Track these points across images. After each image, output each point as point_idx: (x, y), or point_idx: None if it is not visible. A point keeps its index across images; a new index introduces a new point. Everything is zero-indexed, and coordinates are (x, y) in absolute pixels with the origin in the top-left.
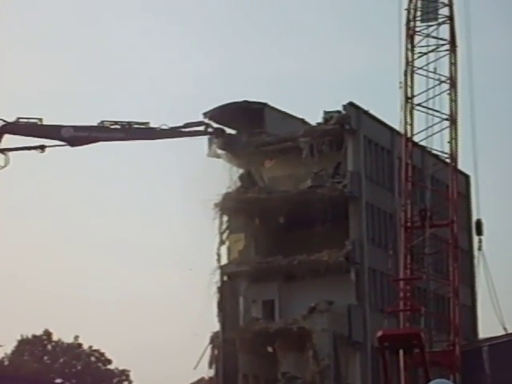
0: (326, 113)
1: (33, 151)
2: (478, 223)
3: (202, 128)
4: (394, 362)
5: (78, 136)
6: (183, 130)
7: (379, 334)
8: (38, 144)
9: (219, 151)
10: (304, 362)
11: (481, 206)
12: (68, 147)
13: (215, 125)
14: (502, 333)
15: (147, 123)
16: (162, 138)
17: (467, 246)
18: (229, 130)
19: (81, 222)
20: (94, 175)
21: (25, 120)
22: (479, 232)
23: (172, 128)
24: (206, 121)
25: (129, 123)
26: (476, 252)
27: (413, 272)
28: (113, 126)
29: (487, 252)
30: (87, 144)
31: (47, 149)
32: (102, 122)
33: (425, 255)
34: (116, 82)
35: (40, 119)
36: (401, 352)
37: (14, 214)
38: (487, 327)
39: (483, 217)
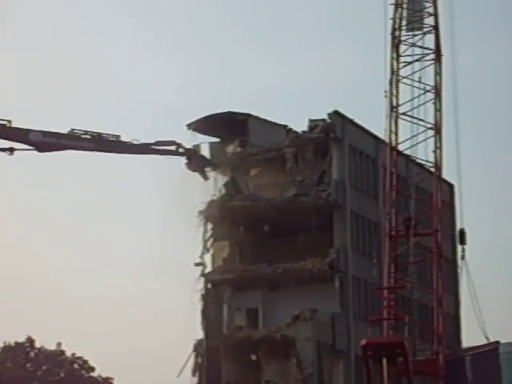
0: (311, 121)
1: (1, 153)
2: (462, 232)
3: (173, 148)
4: (377, 371)
5: (46, 142)
6: (154, 147)
7: (363, 342)
8: (7, 146)
9: (199, 174)
10: (287, 370)
11: (465, 215)
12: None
13: (186, 145)
14: (485, 342)
15: (118, 136)
16: (132, 153)
17: (451, 255)
18: (213, 140)
19: (58, 229)
20: (73, 182)
21: None
22: (462, 241)
23: (143, 144)
24: (178, 141)
25: (99, 134)
26: (459, 261)
27: (397, 281)
28: (83, 136)
29: (470, 261)
30: (55, 151)
31: (17, 152)
32: (73, 130)
33: (409, 264)
34: (100, 90)
35: (9, 121)
36: (384, 361)
37: None
38: (470, 336)
39: (467, 226)
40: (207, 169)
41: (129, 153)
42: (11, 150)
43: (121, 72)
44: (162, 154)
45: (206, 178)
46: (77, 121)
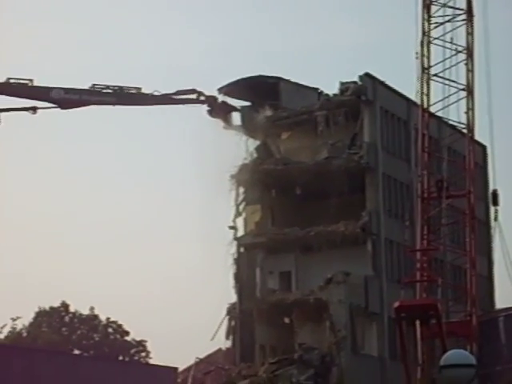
0: (342, 84)
1: (24, 112)
2: (494, 194)
3: (193, 96)
4: (410, 333)
5: (68, 98)
6: (175, 97)
7: (396, 304)
8: (29, 106)
9: (224, 122)
10: (321, 333)
11: (497, 177)
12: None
13: (207, 93)
14: None
15: (139, 88)
16: (154, 104)
17: (484, 217)
18: (244, 104)
19: (83, 193)
20: (102, 144)
21: (15, 81)
22: (495, 202)
23: (164, 94)
24: (198, 89)
25: (120, 88)
26: (492, 222)
27: (429, 243)
28: (104, 90)
29: (503, 222)
30: (78, 107)
31: (39, 111)
32: (94, 85)
33: (441, 226)
34: (122, 54)
35: (31, 80)
36: (417, 323)
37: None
38: (504, 297)
39: (500, 187)
40: (230, 115)
41: (150, 104)
42: (34, 109)
43: (145, 37)
44: (183, 104)
45: (229, 124)
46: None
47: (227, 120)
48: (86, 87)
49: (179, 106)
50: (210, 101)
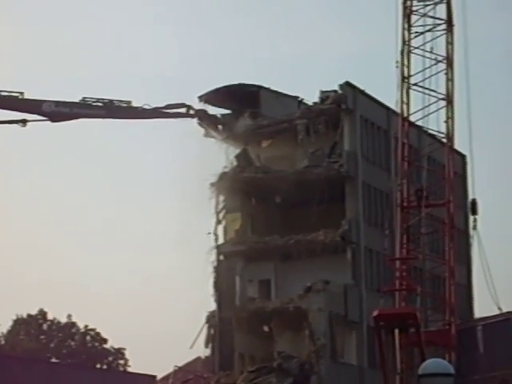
0: (322, 92)
1: (14, 125)
2: (473, 203)
3: (183, 110)
4: (389, 342)
5: (59, 111)
6: (165, 110)
7: (375, 313)
8: (19, 118)
9: (213, 133)
10: (300, 341)
11: (477, 186)
12: (49, 123)
13: (196, 107)
14: (497, 312)
15: (129, 102)
16: (144, 118)
17: (463, 226)
18: (224, 112)
19: (68, 201)
20: (84, 155)
21: (6, 93)
22: (474, 211)
23: (154, 108)
24: (187, 103)
25: (111, 101)
26: (471, 231)
27: (409, 252)
28: (94, 103)
29: (482, 232)
30: (68, 120)
31: (29, 123)
32: (84, 98)
33: (421, 235)
34: (102, 63)
35: (21, 93)
36: (396, 331)
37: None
38: (483, 306)
39: (479, 196)
40: (220, 126)
41: (140, 118)
42: (24, 122)
43: (124, 45)
44: (173, 117)
45: (220, 135)
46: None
47: (218, 131)
48: (77, 100)
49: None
50: (200, 114)
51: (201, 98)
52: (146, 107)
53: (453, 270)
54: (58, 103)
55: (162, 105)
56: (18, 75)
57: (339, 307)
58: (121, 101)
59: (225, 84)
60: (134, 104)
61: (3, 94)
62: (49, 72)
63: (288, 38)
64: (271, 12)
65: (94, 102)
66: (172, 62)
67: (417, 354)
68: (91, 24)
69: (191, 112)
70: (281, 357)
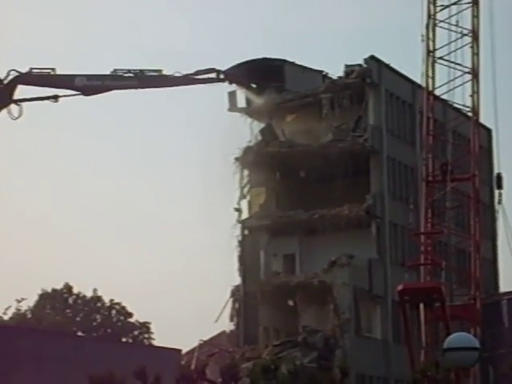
0: (347, 66)
1: (46, 101)
2: (499, 177)
3: (213, 75)
4: (414, 316)
5: (91, 85)
6: (196, 77)
7: (400, 287)
8: (51, 94)
9: (240, 106)
10: (324, 316)
11: (502, 160)
12: (82, 97)
13: (232, 86)
14: None
15: (160, 71)
16: (175, 86)
17: (488, 200)
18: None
19: (98, 174)
20: (111, 128)
21: (38, 70)
22: (500, 186)
23: (185, 75)
24: (217, 67)
25: (141, 71)
26: (497, 206)
27: (434, 226)
28: (126, 74)
29: (508, 206)
30: (101, 93)
31: (61, 99)
32: (115, 70)
33: (446, 209)
34: (123, 38)
35: (53, 69)
36: (421, 306)
37: (30, 164)
38: (508, 281)
39: (504, 171)
40: (252, 85)
41: (172, 85)
42: (55, 98)
43: (134, 22)
44: (204, 83)
45: (253, 93)
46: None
47: (251, 89)
48: (108, 73)
49: (190, 88)
50: (230, 78)
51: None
52: (177, 74)
53: (478, 244)
54: (89, 77)
55: (192, 71)
56: (35, 50)
57: (364, 282)
58: (151, 70)
59: (247, 59)
60: (165, 72)
61: (35, 71)
62: (63, 49)
63: (312, 13)
64: None
65: (125, 73)
66: (189, 37)
67: (442, 329)
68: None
69: (221, 76)
70: (305, 331)
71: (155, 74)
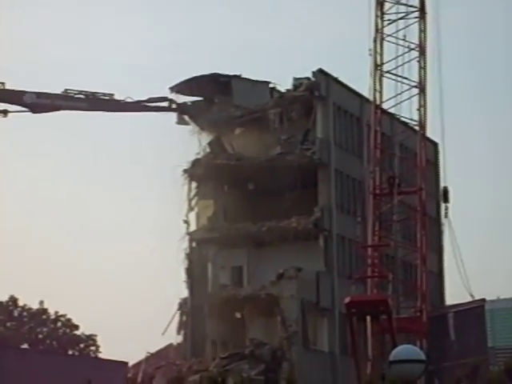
0: (295, 79)
1: None
2: (445, 191)
3: (165, 104)
4: (361, 328)
5: (40, 103)
6: (147, 104)
7: (347, 300)
8: (1, 109)
9: (187, 119)
10: (272, 328)
11: (448, 174)
12: (30, 113)
13: (179, 100)
14: (468, 299)
15: (112, 95)
16: (126, 111)
17: (435, 214)
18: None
19: (44, 190)
20: (59, 144)
21: None
22: (446, 199)
23: (136, 101)
24: (170, 96)
25: (93, 94)
26: (443, 219)
27: (381, 239)
28: (77, 96)
29: (453, 219)
30: (49, 111)
31: (10, 114)
32: (66, 90)
33: (393, 222)
34: (81, 52)
35: (2, 83)
36: (368, 318)
37: None
38: (454, 294)
39: (451, 184)
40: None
41: (122, 111)
42: (5, 113)
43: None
44: (155, 111)
45: (198, 124)
46: (61, 82)
47: (198, 122)
48: (59, 92)
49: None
50: (182, 108)
51: (172, 88)
52: (129, 100)
53: (424, 257)
54: (39, 94)
55: (144, 98)
56: None
57: (311, 294)
58: (103, 93)
59: (196, 74)
60: (117, 97)
61: None
62: (25, 61)
63: (261, 26)
64: (244, 0)
65: (76, 94)
66: (147, 50)
67: (388, 341)
68: (66, 14)
69: (173, 106)
70: (253, 343)
71: (107, 98)
